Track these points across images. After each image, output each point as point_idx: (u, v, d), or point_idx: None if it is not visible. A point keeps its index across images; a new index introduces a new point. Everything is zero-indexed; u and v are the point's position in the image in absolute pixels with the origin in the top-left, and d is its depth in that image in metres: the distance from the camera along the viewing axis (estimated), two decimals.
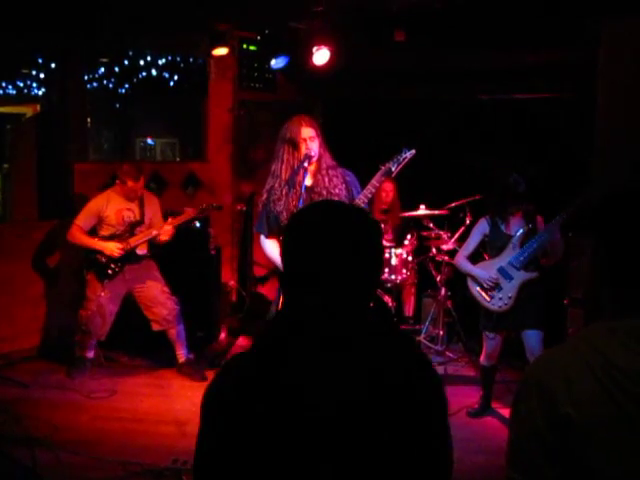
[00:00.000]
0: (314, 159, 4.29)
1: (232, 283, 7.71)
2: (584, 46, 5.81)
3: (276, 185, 4.35)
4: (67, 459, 4.46)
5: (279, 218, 4.34)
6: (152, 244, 6.08)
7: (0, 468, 4.34)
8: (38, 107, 9.15)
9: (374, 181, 4.25)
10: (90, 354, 6.09)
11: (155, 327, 6.13)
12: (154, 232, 5.94)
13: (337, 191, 4.29)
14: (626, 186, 1.64)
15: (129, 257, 5.98)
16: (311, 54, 6.69)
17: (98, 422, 5.22)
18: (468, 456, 4.58)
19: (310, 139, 4.28)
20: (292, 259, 1.61)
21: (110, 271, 5.93)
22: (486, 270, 5.18)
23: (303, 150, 4.26)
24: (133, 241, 5.94)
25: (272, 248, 4.47)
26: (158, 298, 6.08)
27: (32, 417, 5.09)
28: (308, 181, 4.31)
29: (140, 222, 6.03)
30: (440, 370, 6.53)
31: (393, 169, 4.29)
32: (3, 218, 9.71)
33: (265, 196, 4.42)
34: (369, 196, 4.27)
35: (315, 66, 6.79)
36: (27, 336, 6.59)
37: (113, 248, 5.87)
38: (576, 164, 6.27)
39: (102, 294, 5.92)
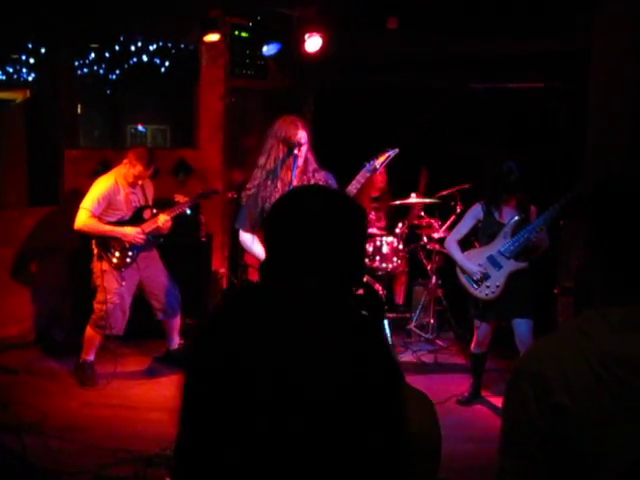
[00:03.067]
0: (304, 147, 4.29)
1: (223, 270, 7.69)
2: (576, 34, 5.81)
3: (267, 182, 4.35)
4: (56, 446, 4.45)
5: (264, 213, 4.32)
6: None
7: None
8: (28, 93, 9.08)
9: (359, 177, 4.30)
10: (92, 356, 5.77)
11: (160, 316, 6.00)
12: (162, 220, 5.73)
13: None
14: (618, 173, 1.64)
15: (145, 244, 5.78)
16: (303, 41, 6.67)
17: (88, 409, 5.22)
18: (458, 444, 4.59)
19: (303, 143, 4.30)
20: (273, 239, 1.63)
21: (128, 259, 5.69)
22: (475, 258, 5.18)
23: (295, 152, 4.28)
24: (147, 227, 5.73)
25: (250, 241, 4.46)
26: (166, 286, 5.97)
27: (21, 404, 5.07)
28: (295, 180, 4.30)
29: (146, 206, 5.84)
30: (430, 358, 6.55)
31: (378, 167, 4.33)
32: None
33: (253, 191, 4.40)
34: (354, 192, 4.30)
35: (307, 53, 6.77)
36: (17, 323, 6.56)
37: (134, 234, 5.65)
38: (568, 153, 6.28)
39: (124, 283, 5.68)
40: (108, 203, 5.64)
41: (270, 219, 1.68)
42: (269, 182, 4.33)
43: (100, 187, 5.65)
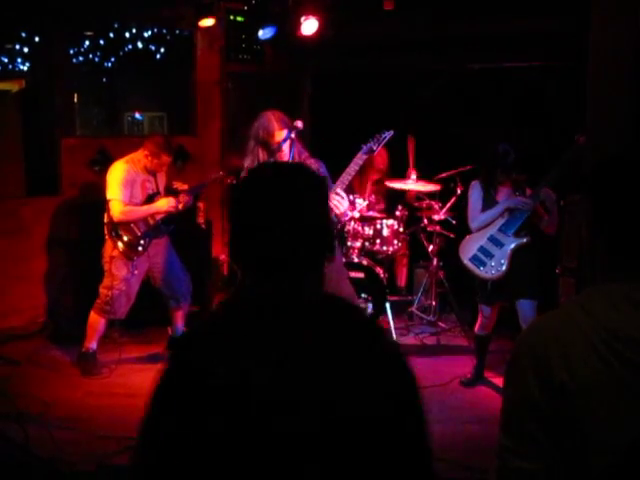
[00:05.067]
0: (285, 144, 4.35)
1: (223, 257, 7.68)
2: (574, 13, 5.76)
3: None
4: (60, 436, 4.44)
5: None
6: None
7: None
8: (23, 83, 9.03)
9: (356, 159, 4.37)
10: (95, 345, 5.76)
11: (172, 304, 5.97)
12: (179, 204, 5.69)
13: None
14: (618, 154, 1.63)
15: (156, 231, 5.76)
16: (299, 24, 6.62)
17: (91, 398, 5.22)
18: (461, 425, 4.61)
19: (285, 141, 4.34)
20: (237, 213, 1.57)
21: (140, 247, 5.64)
22: (476, 240, 5.17)
23: (277, 152, 4.35)
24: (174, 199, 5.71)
25: None
26: (178, 274, 5.96)
27: (24, 394, 5.06)
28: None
29: (157, 193, 5.79)
30: (433, 340, 6.55)
31: (375, 148, 4.42)
32: None
33: None
34: (352, 174, 4.37)
35: (303, 36, 6.72)
36: (18, 313, 6.55)
37: (167, 205, 5.61)
38: (567, 134, 6.24)
39: (135, 272, 5.65)
40: (130, 188, 5.58)
41: (231, 203, 1.63)
42: None
43: (118, 174, 5.56)
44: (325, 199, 1.64)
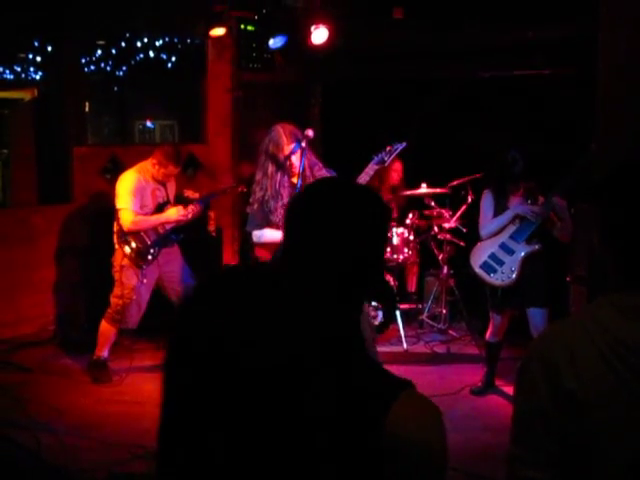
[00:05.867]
0: (294, 156, 4.34)
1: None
2: (584, 22, 5.75)
3: (267, 198, 4.42)
4: (71, 443, 4.46)
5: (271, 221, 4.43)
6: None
7: (4, 453, 4.35)
8: (35, 91, 9.11)
9: (368, 170, 4.32)
10: (106, 353, 5.77)
11: None
12: (189, 213, 5.71)
13: None
14: (630, 161, 1.62)
15: (166, 240, 5.77)
16: (309, 33, 6.64)
17: (101, 405, 5.23)
18: (472, 433, 4.59)
19: (293, 154, 4.34)
20: (289, 229, 1.53)
21: (150, 256, 5.63)
22: (487, 248, 5.16)
23: (287, 165, 4.36)
24: (183, 208, 5.72)
25: (261, 232, 4.52)
26: (187, 282, 5.92)
27: (35, 402, 5.09)
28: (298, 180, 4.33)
29: (167, 202, 5.80)
30: (443, 349, 6.54)
31: (386, 159, 4.37)
32: (3, 204, 9.68)
33: (256, 206, 4.48)
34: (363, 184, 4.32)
35: (314, 45, 6.74)
36: (29, 321, 6.58)
37: (176, 215, 5.63)
38: (577, 141, 6.23)
39: (144, 281, 5.64)
40: (140, 197, 5.59)
41: (289, 209, 1.58)
42: (270, 193, 4.39)
43: (128, 183, 5.57)
44: (383, 237, 1.57)
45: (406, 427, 1.27)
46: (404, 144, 4.40)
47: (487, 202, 5.25)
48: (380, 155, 4.34)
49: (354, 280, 1.47)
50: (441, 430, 1.33)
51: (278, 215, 4.36)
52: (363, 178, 4.29)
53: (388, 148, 4.36)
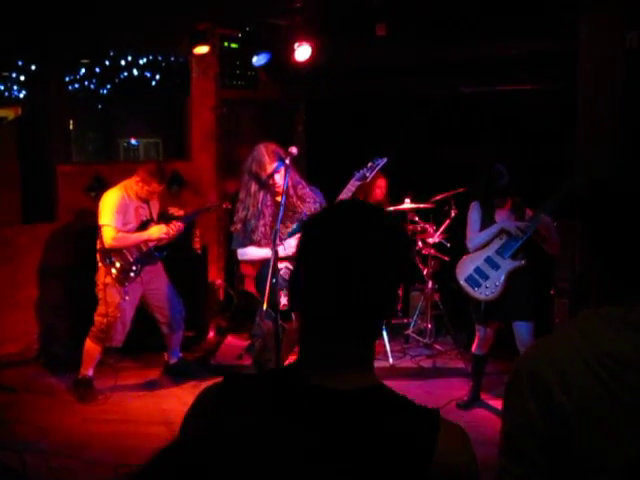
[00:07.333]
0: (277, 174, 4.36)
1: (219, 282, 7.69)
2: (565, 37, 5.83)
3: (249, 217, 4.44)
4: (57, 463, 4.44)
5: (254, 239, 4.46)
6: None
7: None
8: (19, 110, 9.09)
9: (349, 186, 4.31)
10: (91, 372, 5.75)
11: (165, 330, 5.98)
12: (171, 231, 5.68)
13: (310, 208, 4.43)
14: (611, 175, 1.64)
15: (149, 258, 5.76)
16: (293, 50, 6.67)
17: (87, 425, 5.20)
18: None
19: (276, 172, 4.36)
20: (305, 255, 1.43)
21: (132, 274, 5.63)
22: (473, 261, 5.19)
23: (269, 184, 4.38)
24: (165, 226, 5.69)
25: (244, 250, 4.54)
26: (171, 300, 5.96)
27: (21, 421, 5.06)
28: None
29: (151, 220, 5.79)
30: (429, 363, 6.55)
31: (368, 175, 4.35)
32: None
33: (239, 226, 4.50)
34: None
35: (297, 62, 6.77)
36: (13, 340, 6.53)
37: (158, 233, 5.61)
38: (560, 155, 6.29)
39: (127, 298, 5.62)
40: (123, 215, 5.59)
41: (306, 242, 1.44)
42: (252, 212, 4.42)
43: (111, 201, 5.57)
44: (403, 270, 1.45)
45: (453, 454, 1.32)
46: (385, 159, 4.40)
47: (475, 214, 5.29)
48: (362, 171, 4.33)
49: (384, 314, 1.47)
50: (474, 450, 1.38)
51: (259, 234, 4.40)
52: (345, 194, 4.28)
53: (369, 164, 4.35)
